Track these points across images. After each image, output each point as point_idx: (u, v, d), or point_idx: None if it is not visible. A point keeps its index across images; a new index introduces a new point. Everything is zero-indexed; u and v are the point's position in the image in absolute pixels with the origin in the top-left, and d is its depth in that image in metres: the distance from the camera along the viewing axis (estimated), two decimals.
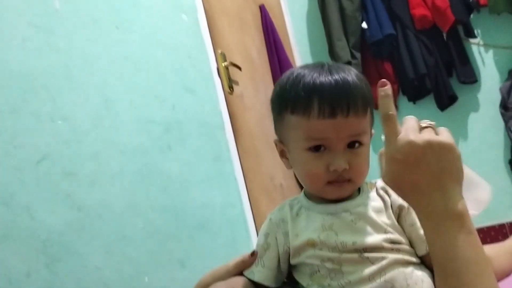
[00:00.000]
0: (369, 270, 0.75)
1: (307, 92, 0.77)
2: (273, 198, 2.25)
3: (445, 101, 2.91)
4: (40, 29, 1.29)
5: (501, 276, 0.96)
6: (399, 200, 0.80)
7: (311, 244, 0.78)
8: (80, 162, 1.28)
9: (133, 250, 1.37)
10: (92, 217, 1.27)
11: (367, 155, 0.80)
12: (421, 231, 0.77)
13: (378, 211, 0.80)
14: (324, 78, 0.78)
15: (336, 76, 0.78)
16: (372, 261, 0.75)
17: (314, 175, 0.79)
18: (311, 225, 0.80)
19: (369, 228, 0.77)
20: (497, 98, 2.85)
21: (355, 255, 0.76)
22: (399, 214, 0.80)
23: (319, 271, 0.78)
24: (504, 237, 2.74)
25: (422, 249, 0.78)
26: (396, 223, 0.80)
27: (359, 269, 0.75)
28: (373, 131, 0.83)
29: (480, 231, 2.90)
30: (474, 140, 3.00)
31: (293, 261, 0.82)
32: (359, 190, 0.83)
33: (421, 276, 0.76)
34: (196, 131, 1.85)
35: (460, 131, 3.03)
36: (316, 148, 0.77)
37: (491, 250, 1.31)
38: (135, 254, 1.37)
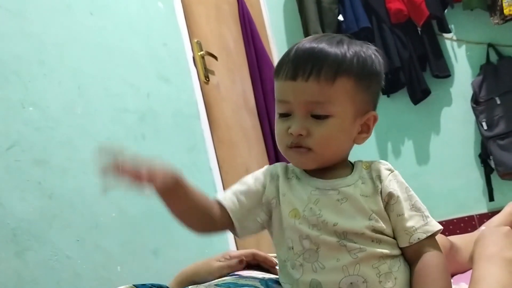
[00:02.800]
0: (344, 260, 0.74)
1: (284, 57, 0.80)
2: None
3: (418, 95, 2.95)
4: (12, 13, 1.26)
5: (467, 265, 0.98)
6: (390, 187, 0.79)
7: (294, 215, 0.78)
8: (51, 149, 1.26)
9: (106, 239, 1.36)
10: (64, 206, 1.25)
11: (337, 128, 0.77)
12: (408, 223, 0.77)
13: (366, 195, 0.79)
14: (308, 45, 0.79)
15: (321, 44, 0.78)
16: (349, 251, 0.74)
17: (278, 138, 0.81)
18: (298, 195, 0.79)
19: (354, 211, 0.77)
20: (469, 92, 2.90)
21: (334, 240, 0.75)
22: (387, 202, 0.79)
23: (293, 248, 0.77)
24: (473, 228, 2.81)
25: (405, 241, 0.77)
26: (383, 210, 0.78)
27: (334, 257, 0.75)
28: (374, 113, 0.81)
29: (450, 222, 2.96)
30: (446, 134, 3.06)
31: (272, 227, 0.82)
32: (352, 168, 0.82)
33: (395, 273, 0.76)
34: (171, 121, 1.83)
35: (432, 125, 3.08)
36: (285, 115, 0.79)
37: (461, 240, 1.34)
38: (108, 243, 1.36)
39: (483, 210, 2.95)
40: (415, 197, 0.80)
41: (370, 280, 0.74)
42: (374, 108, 0.82)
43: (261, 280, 0.86)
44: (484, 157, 2.87)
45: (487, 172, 2.88)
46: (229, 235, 1.94)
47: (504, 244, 0.78)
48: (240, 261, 0.88)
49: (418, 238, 0.77)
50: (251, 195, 0.81)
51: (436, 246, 0.78)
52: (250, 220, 0.81)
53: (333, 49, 0.77)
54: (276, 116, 0.81)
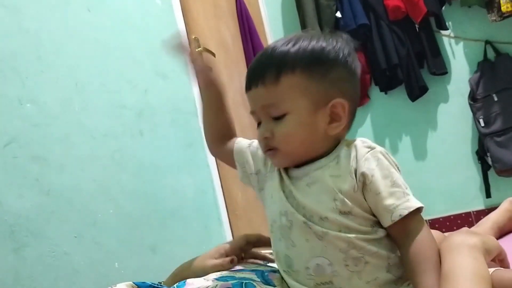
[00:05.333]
0: (312, 242, 0.76)
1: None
2: (245, 187, 2.25)
3: (416, 91, 2.96)
4: (9, 9, 1.25)
5: None
6: (363, 167, 0.76)
7: (270, 196, 0.84)
8: (49, 146, 1.26)
9: (103, 236, 1.36)
10: (62, 202, 1.25)
11: (295, 123, 0.77)
12: (387, 201, 0.75)
13: (336, 174, 0.77)
14: (260, 53, 0.84)
15: (270, 49, 0.81)
16: (315, 233, 0.75)
17: (259, 145, 0.86)
18: (274, 181, 0.83)
19: (320, 193, 0.77)
20: (466, 89, 2.90)
21: (302, 220, 0.77)
22: (363, 182, 0.76)
23: (274, 222, 0.82)
24: (470, 225, 2.81)
25: (388, 220, 0.75)
26: (356, 190, 0.76)
27: (304, 237, 0.77)
28: (339, 100, 0.78)
29: (447, 219, 2.97)
30: (443, 131, 3.06)
31: (259, 195, 0.90)
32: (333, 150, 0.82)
33: (367, 257, 0.75)
34: (168, 117, 1.83)
35: (430, 122, 3.08)
36: (258, 124, 0.83)
37: None
38: (105, 239, 1.36)
39: (480, 206, 2.96)
40: (396, 174, 0.77)
41: (336, 263, 0.75)
42: (342, 95, 0.78)
43: (257, 272, 0.87)
44: (481, 154, 2.88)
45: (484, 169, 2.89)
46: (227, 233, 1.95)
47: (466, 234, 0.79)
48: (232, 260, 0.88)
49: (400, 215, 0.74)
50: (254, 158, 0.90)
51: (421, 222, 0.76)
52: (245, 172, 0.92)
53: (278, 50, 0.79)
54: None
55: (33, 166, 1.20)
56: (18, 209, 1.12)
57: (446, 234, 1.29)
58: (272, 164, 0.86)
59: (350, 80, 0.81)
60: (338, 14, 2.98)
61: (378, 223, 0.77)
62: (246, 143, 0.93)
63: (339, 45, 0.80)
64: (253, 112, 0.83)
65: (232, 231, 2.01)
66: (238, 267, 0.93)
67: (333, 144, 0.81)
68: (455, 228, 2.93)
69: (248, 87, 0.82)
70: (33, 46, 1.30)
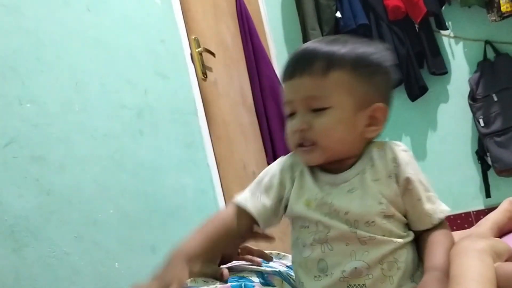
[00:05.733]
0: (353, 245, 0.75)
1: (286, 61, 0.83)
2: (245, 186, 2.25)
3: (416, 91, 2.96)
4: (8, 9, 1.25)
5: None
6: (407, 172, 0.78)
7: (307, 204, 0.80)
8: (49, 146, 1.26)
9: (103, 236, 1.36)
10: (62, 202, 1.25)
11: (336, 118, 0.77)
12: (427, 205, 0.78)
13: (377, 178, 0.78)
14: (305, 46, 0.82)
15: (317, 43, 0.81)
16: (359, 238, 0.75)
17: (288, 138, 0.82)
18: (311, 187, 0.81)
19: (365, 198, 0.77)
20: (466, 89, 2.90)
21: (345, 227, 0.76)
22: (405, 187, 0.78)
23: (308, 227, 0.79)
24: (470, 225, 2.82)
25: (427, 224, 0.79)
26: (397, 195, 0.78)
27: (344, 241, 0.76)
28: (380, 105, 0.79)
29: (447, 219, 2.96)
30: (443, 131, 3.06)
31: (287, 214, 0.84)
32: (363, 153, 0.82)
33: (399, 263, 0.76)
34: (168, 117, 1.83)
35: (429, 122, 3.09)
36: (291, 115, 0.81)
37: (458, 236, 1.35)
38: (105, 239, 1.36)
39: (480, 206, 2.96)
40: (425, 177, 0.81)
41: (373, 267, 0.75)
42: (383, 100, 0.81)
43: (258, 273, 0.87)
44: (481, 154, 2.88)
45: (484, 168, 2.89)
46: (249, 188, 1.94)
47: (474, 239, 0.80)
48: (222, 274, 0.84)
49: (439, 219, 0.79)
50: (271, 195, 0.84)
51: (446, 225, 0.82)
52: (274, 217, 0.85)
53: (327, 46, 0.79)
54: (286, 119, 0.83)
55: (33, 166, 1.20)
56: (18, 209, 1.12)
57: (452, 233, 1.29)
58: (303, 161, 0.83)
59: (391, 88, 0.85)
60: (338, 14, 2.98)
61: (408, 226, 0.80)
62: (257, 202, 0.84)
63: (385, 53, 0.82)
64: (290, 102, 0.81)
65: None
66: (238, 263, 0.93)
67: (363, 146, 0.82)
68: (455, 228, 2.92)
69: (290, 76, 0.80)
70: (32, 46, 1.30)
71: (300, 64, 0.79)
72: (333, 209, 0.77)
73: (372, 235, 0.75)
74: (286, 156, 0.88)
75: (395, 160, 0.79)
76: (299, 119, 0.79)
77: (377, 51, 0.81)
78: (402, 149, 0.81)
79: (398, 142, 0.82)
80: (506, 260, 0.82)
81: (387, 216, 0.77)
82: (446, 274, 0.71)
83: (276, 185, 0.84)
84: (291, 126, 0.80)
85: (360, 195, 0.77)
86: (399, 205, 0.78)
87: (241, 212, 0.83)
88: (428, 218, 0.79)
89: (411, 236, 0.79)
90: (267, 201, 0.83)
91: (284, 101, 0.82)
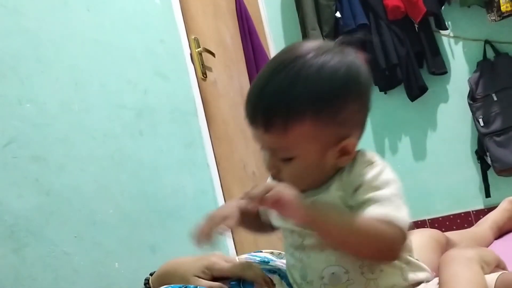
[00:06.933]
0: (328, 251, 0.75)
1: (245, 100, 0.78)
2: (245, 186, 2.26)
3: (416, 91, 2.96)
4: (8, 9, 1.25)
5: None
6: (358, 180, 0.74)
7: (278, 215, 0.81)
8: (49, 146, 1.26)
9: (103, 236, 1.36)
10: (61, 202, 1.25)
11: (303, 166, 0.75)
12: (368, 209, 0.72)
13: (341, 189, 0.76)
14: (255, 83, 0.76)
15: (268, 86, 0.73)
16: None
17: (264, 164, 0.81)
18: None
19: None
20: (465, 89, 2.90)
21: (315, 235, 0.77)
22: (356, 190, 0.74)
23: (286, 236, 0.82)
24: (470, 224, 2.82)
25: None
26: (358, 202, 0.74)
27: (319, 247, 0.76)
28: (350, 140, 0.75)
29: (447, 218, 2.98)
30: (443, 130, 3.06)
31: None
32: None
33: (381, 266, 0.76)
34: (168, 117, 1.83)
35: (429, 121, 3.09)
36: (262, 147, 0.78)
37: (457, 236, 1.35)
38: (105, 239, 1.36)
39: (480, 206, 2.96)
40: (388, 190, 0.72)
41: (352, 271, 0.75)
42: (354, 129, 0.76)
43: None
44: (480, 153, 2.88)
45: (484, 168, 2.89)
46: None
47: (463, 248, 0.83)
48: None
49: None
50: None
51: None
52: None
53: (282, 86, 0.71)
54: None
55: (32, 166, 1.20)
56: (17, 209, 1.12)
57: (446, 233, 1.30)
58: None
59: (363, 105, 0.77)
60: (338, 14, 2.98)
61: None
62: None
63: (359, 66, 0.76)
64: (256, 140, 0.78)
65: (231, 231, 2.01)
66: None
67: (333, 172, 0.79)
68: (454, 227, 2.93)
69: (252, 125, 0.75)
70: (32, 46, 1.30)
71: (257, 118, 0.73)
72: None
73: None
74: None
75: (353, 168, 0.76)
76: (268, 162, 0.77)
77: (337, 72, 0.72)
78: (365, 159, 0.77)
79: (368, 152, 0.78)
80: (495, 269, 0.84)
81: None
82: None
83: None
84: (263, 157, 0.79)
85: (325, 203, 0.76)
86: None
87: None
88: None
89: None
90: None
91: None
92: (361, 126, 0.78)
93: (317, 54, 0.72)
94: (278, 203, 0.68)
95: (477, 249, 0.84)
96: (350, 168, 0.76)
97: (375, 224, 0.69)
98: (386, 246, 0.71)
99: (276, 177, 0.78)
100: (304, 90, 0.70)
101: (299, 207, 0.69)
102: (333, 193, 0.76)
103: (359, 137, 0.78)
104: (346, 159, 0.76)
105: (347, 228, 0.70)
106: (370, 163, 0.76)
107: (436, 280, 0.79)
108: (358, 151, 0.78)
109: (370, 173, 0.74)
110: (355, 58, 0.76)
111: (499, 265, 0.86)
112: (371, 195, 0.72)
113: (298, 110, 0.70)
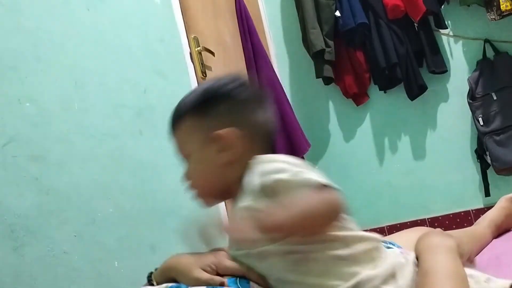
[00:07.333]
0: (251, 258, 0.81)
1: None
2: None
3: (415, 90, 2.96)
4: (8, 8, 1.25)
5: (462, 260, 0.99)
6: (256, 176, 0.80)
7: None
8: (48, 145, 1.26)
9: (103, 235, 1.36)
10: (61, 201, 1.25)
11: (196, 160, 0.88)
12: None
13: (244, 201, 0.81)
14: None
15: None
16: (257, 257, 0.80)
17: None
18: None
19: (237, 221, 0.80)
20: (465, 88, 2.90)
21: (244, 252, 0.82)
22: (268, 194, 0.78)
23: (241, 264, 0.84)
24: (470, 223, 2.82)
25: None
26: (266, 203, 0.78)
27: (252, 264, 0.83)
28: (220, 132, 0.85)
29: (446, 217, 2.98)
30: (443, 129, 3.06)
31: None
32: None
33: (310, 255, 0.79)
34: (167, 116, 1.83)
35: (429, 121, 3.09)
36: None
37: (457, 235, 1.35)
38: (105, 238, 1.36)
39: (479, 205, 2.96)
40: (283, 166, 0.79)
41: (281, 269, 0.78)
42: (227, 126, 0.86)
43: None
44: (480, 152, 2.88)
45: (483, 167, 2.89)
46: None
47: (442, 236, 0.83)
48: (222, 284, 0.84)
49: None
50: None
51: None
52: None
53: (179, 105, 0.93)
54: None
55: (32, 165, 1.20)
56: (17, 208, 1.13)
57: (451, 232, 1.30)
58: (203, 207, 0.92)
59: (238, 109, 0.88)
60: (337, 13, 2.98)
61: None
62: None
63: (223, 81, 0.90)
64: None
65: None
66: None
67: (243, 171, 0.85)
68: (454, 227, 2.93)
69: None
70: (32, 45, 1.30)
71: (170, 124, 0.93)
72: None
73: (263, 249, 0.78)
74: None
75: (256, 174, 0.81)
76: (184, 171, 0.90)
77: (212, 84, 0.90)
78: (258, 161, 0.83)
79: (263, 157, 0.84)
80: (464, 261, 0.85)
81: None
82: None
83: None
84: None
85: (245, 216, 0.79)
86: None
87: None
88: None
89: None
90: None
91: None
92: (243, 125, 0.87)
93: (207, 82, 0.93)
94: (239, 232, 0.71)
95: (455, 238, 0.85)
96: (248, 173, 0.83)
97: (306, 198, 0.74)
98: (329, 206, 0.75)
99: (190, 185, 0.89)
100: (188, 100, 0.91)
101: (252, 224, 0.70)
102: (247, 199, 0.80)
103: (234, 137, 0.85)
104: (227, 155, 0.85)
105: (297, 213, 0.72)
106: (265, 162, 0.83)
107: (413, 257, 0.79)
108: (254, 157, 0.85)
109: (264, 167, 0.81)
110: (231, 78, 0.91)
111: (469, 259, 0.89)
112: (276, 177, 0.77)
113: (183, 108, 0.91)
